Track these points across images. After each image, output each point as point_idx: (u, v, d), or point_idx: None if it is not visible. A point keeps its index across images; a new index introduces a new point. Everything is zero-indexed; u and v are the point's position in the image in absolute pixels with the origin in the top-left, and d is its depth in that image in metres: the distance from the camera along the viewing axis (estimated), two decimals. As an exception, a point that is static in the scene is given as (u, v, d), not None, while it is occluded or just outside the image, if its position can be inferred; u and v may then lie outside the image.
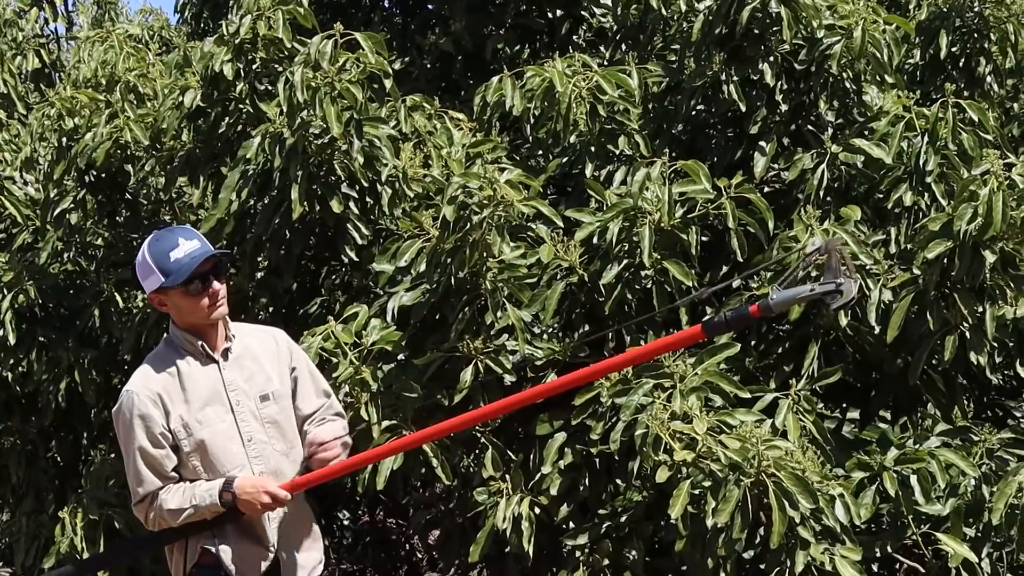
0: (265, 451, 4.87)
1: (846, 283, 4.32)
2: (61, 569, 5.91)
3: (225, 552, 4.85)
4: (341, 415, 5.15)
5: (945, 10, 6.98)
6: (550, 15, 8.13)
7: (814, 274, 4.58)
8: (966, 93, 6.73)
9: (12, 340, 7.12)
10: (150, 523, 4.88)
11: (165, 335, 4.98)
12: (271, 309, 7.06)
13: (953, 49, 6.83)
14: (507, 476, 5.90)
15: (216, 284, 4.79)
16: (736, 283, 6.11)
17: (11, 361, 7.35)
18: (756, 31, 6.34)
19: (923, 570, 5.86)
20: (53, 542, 6.74)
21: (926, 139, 6.10)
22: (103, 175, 7.30)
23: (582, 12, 8.02)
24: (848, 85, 6.41)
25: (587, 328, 6.05)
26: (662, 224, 5.79)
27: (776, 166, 6.47)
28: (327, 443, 4.84)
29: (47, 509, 7.77)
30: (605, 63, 7.23)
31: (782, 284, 4.44)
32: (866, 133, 6.33)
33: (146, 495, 4.82)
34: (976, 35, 6.87)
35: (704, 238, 6.04)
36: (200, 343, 4.85)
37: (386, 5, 8.60)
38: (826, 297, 4.36)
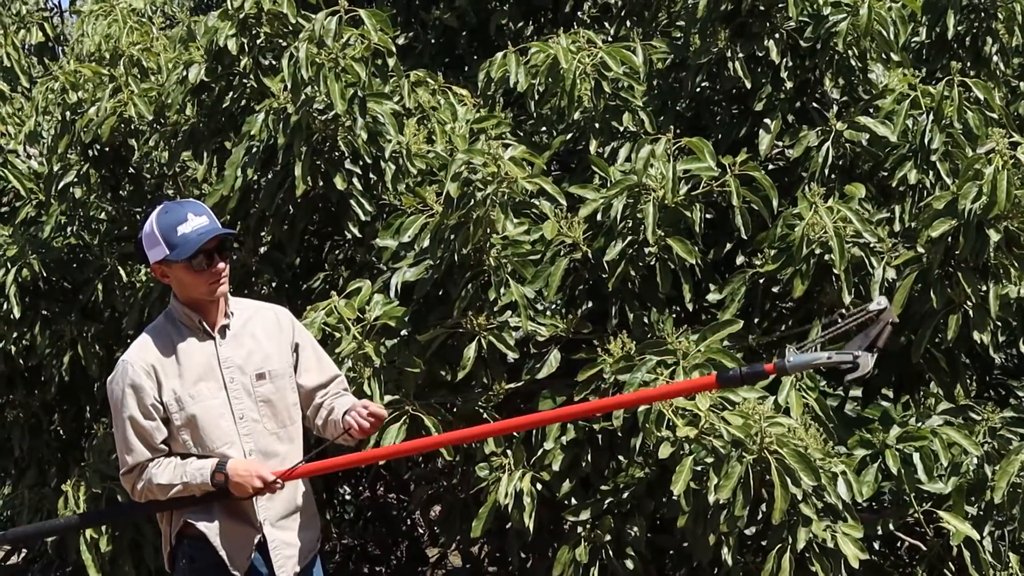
0: (256, 429, 4.88)
1: (863, 356, 4.36)
2: (66, 519, 5.96)
3: (210, 528, 4.86)
4: (347, 389, 5.18)
5: (952, -12, 6.97)
6: (555, -10, 8.13)
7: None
8: (972, 72, 6.70)
9: (16, 313, 7.12)
10: (137, 494, 4.88)
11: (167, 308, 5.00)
12: (274, 284, 7.05)
13: (959, 28, 6.81)
14: (509, 452, 5.90)
15: (220, 263, 4.81)
16: (739, 260, 6.13)
17: (15, 334, 7.36)
18: (762, 7, 6.32)
19: (925, 548, 5.88)
20: (56, 515, 6.76)
21: (931, 117, 6.08)
22: (107, 149, 7.29)
23: (587, -12, 8.02)
24: (854, 63, 6.39)
25: (590, 304, 6.05)
26: (666, 201, 5.79)
27: (781, 143, 6.46)
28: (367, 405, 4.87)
29: (49, 482, 7.78)
30: (610, 39, 7.21)
31: (804, 350, 4.46)
32: (871, 111, 6.32)
33: (135, 465, 4.83)
34: (983, 14, 6.84)
35: (708, 215, 6.03)
36: (198, 318, 4.87)
37: (390, -21, 8.59)
38: (841, 366, 4.40)
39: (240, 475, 4.74)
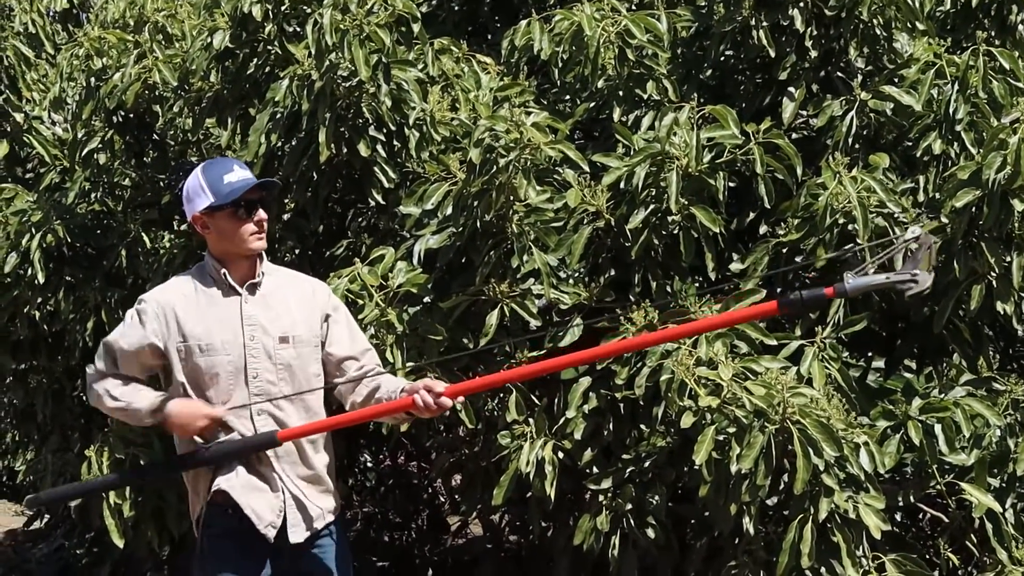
0: (270, 391, 4.95)
1: (921, 275, 4.39)
2: (102, 478, 5.98)
3: (232, 486, 4.93)
4: (380, 365, 5.21)
5: (977, -44, 6.92)
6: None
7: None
8: (997, 41, 6.66)
9: (40, 279, 7.13)
10: (93, 400, 5.16)
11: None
12: (297, 251, 7.07)
13: (985, -4, 6.78)
14: (531, 420, 5.90)
15: (263, 213, 4.90)
16: (762, 230, 6.11)
17: (39, 300, 7.37)
18: (786, -24, 6.30)
19: (947, 520, 5.88)
20: (79, 480, 6.78)
21: (956, 87, 6.05)
22: (131, 115, 7.30)
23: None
24: (878, 32, 6.36)
25: (613, 273, 6.05)
26: (690, 169, 5.77)
27: (805, 112, 6.43)
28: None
29: (72, 447, 7.81)
30: (634, 7, 7.18)
31: (858, 272, 4.48)
32: (896, 80, 6.28)
33: (99, 372, 5.07)
34: (1009, -18, 6.81)
35: (731, 184, 6.01)
36: (224, 272, 4.94)
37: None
38: (900, 286, 4.41)
39: (182, 420, 4.93)
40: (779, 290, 5.96)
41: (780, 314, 5.05)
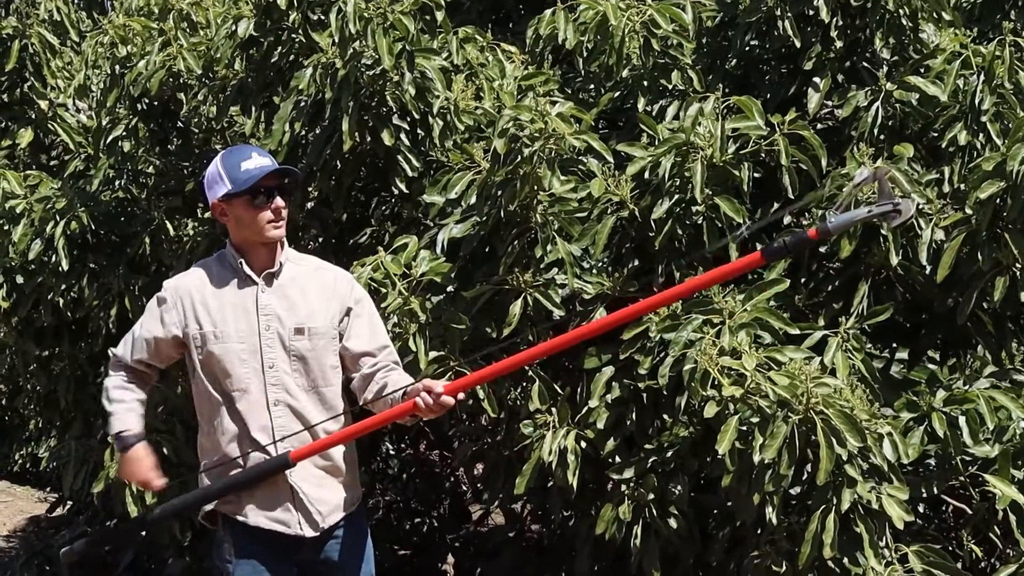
0: (285, 381, 4.94)
1: (903, 203, 4.35)
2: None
3: (239, 506, 4.99)
4: (398, 363, 5.18)
5: (1004, -54, 6.90)
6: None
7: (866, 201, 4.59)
8: (1024, 32, 6.65)
9: (64, 266, 7.16)
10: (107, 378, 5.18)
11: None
12: (321, 239, 7.08)
13: (1012, -14, 6.76)
14: (554, 409, 5.90)
15: (280, 200, 4.89)
16: (786, 220, 6.09)
17: (63, 287, 7.40)
18: (811, -34, 6.28)
19: (970, 511, 5.86)
20: (102, 467, 6.81)
21: (982, 77, 6.03)
22: (155, 103, 7.32)
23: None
24: (904, 22, 6.33)
25: (637, 263, 6.04)
26: (714, 160, 5.76)
27: (830, 103, 6.41)
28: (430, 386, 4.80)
29: (95, 434, 7.84)
30: (659, -3, 7.19)
31: (838, 210, 4.46)
32: (921, 71, 6.26)
33: (119, 358, 5.12)
34: (1035, -28, 6.79)
35: (756, 175, 6.00)
36: (240, 260, 4.95)
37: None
38: (884, 217, 4.38)
39: (128, 466, 5.06)
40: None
41: (764, 263, 4.94)
